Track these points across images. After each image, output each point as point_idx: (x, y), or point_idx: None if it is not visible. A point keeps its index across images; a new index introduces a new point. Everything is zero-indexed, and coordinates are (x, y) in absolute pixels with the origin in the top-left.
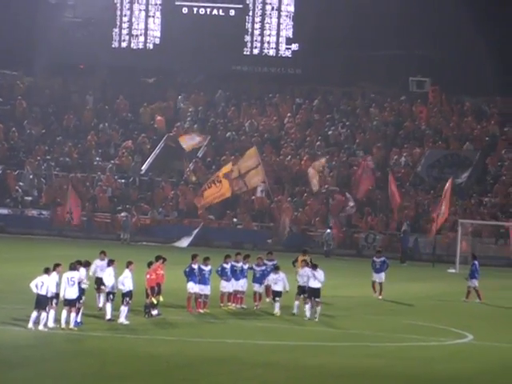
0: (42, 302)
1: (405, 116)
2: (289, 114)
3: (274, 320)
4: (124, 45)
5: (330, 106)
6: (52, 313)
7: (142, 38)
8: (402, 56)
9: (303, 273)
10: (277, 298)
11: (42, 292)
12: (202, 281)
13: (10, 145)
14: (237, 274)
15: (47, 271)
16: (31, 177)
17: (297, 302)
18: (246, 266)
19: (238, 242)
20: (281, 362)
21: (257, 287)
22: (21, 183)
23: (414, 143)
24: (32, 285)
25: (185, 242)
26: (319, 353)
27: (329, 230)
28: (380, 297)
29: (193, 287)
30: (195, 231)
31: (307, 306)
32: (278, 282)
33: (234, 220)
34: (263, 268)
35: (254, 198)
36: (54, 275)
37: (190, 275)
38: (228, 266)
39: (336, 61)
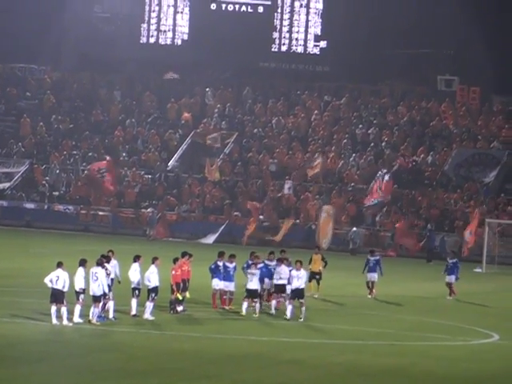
0: (57, 297)
1: (433, 115)
2: (316, 112)
3: (297, 318)
4: (152, 40)
5: (358, 104)
6: (78, 308)
7: (170, 34)
8: (431, 54)
9: (280, 270)
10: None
11: (58, 286)
12: (227, 278)
13: (37, 139)
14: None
15: (60, 265)
16: (58, 171)
17: (273, 302)
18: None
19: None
20: (306, 360)
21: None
22: (47, 178)
23: (442, 142)
24: (46, 280)
25: (210, 239)
26: (344, 351)
27: (355, 228)
28: (371, 295)
29: (218, 284)
30: (221, 228)
31: (290, 307)
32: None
33: (260, 217)
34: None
35: (280, 195)
36: (81, 270)
37: (214, 272)
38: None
39: (364, 58)
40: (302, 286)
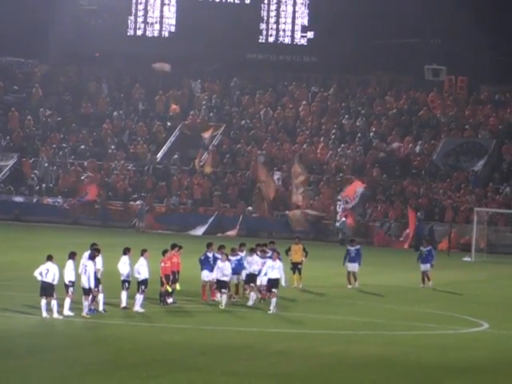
0: (47, 289)
1: (420, 104)
2: (304, 102)
3: (288, 309)
4: (139, 33)
5: (346, 95)
6: (68, 301)
7: (157, 26)
8: (418, 44)
9: (252, 260)
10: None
11: (48, 279)
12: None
13: (25, 133)
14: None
15: (50, 258)
16: (46, 165)
17: (250, 292)
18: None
19: (253, 230)
20: (296, 351)
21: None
22: (36, 171)
23: (430, 131)
24: (36, 273)
25: (200, 231)
26: (334, 341)
27: (343, 219)
28: (356, 285)
29: (207, 275)
30: (210, 219)
31: (252, 294)
32: (274, 269)
33: (249, 208)
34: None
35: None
36: (71, 263)
37: (204, 263)
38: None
39: (351, 49)
40: (277, 277)
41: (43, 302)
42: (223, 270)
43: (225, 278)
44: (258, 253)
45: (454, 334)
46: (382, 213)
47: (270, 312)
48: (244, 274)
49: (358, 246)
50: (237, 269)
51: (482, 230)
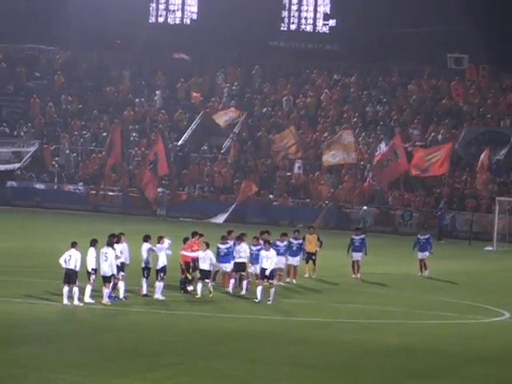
0: (70, 276)
1: (442, 93)
2: (326, 91)
3: (307, 296)
4: (161, 20)
5: (367, 83)
6: (89, 288)
7: (179, 14)
8: (440, 33)
9: (240, 248)
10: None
11: (70, 266)
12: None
13: (46, 120)
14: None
15: (74, 245)
16: (67, 152)
17: (232, 281)
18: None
19: (274, 218)
20: (316, 339)
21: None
22: (57, 158)
23: (452, 120)
24: (61, 260)
25: (221, 218)
26: (354, 330)
27: (365, 207)
28: (358, 275)
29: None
30: (231, 207)
31: (244, 282)
32: (269, 259)
33: (270, 196)
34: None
35: (290, 174)
36: (92, 251)
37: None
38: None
39: (374, 37)
40: (272, 267)
41: (65, 289)
42: (240, 252)
43: (241, 260)
44: (260, 241)
45: (475, 323)
46: (404, 201)
47: (270, 302)
48: (233, 263)
49: (363, 236)
50: (228, 258)
51: (504, 219)
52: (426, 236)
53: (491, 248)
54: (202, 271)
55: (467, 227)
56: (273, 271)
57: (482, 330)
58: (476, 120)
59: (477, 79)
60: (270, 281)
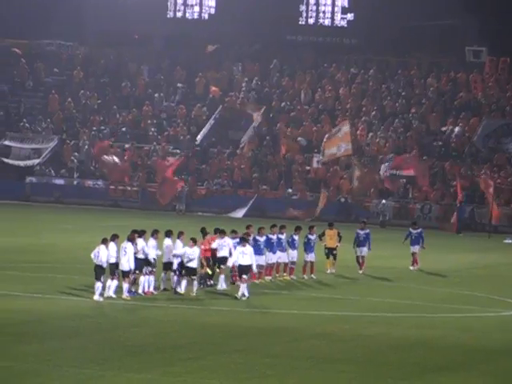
0: (96, 272)
1: (461, 86)
2: (344, 84)
3: (327, 290)
4: (179, 15)
5: (386, 76)
6: (114, 283)
7: (197, 8)
8: (459, 26)
9: (222, 243)
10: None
11: (98, 262)
12: (257, 251)
13: (65, 115)
14: (273, 246)
15: (104, 241)
16: (87, 147)
17: (222, 276)
18: (283, 237)
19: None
20: (336, 333)
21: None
22: (76, 153)
23: (471, 113)
24: (92, 255)
25: (240, 213)
26: (374, 323)
27: (384, 201)
28: (361, 271)
29: (271, 258)
30: (250, 202)
31: (221, 276)
32: (245, 255)
33: (289, 190)
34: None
35: (309, 169)
36: (113, 246)
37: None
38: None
39: (392, 30)
40: (248, 263)
41: (96, 284)
42: (189, 256)
43: (223, 254)
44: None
45: (495, 316)
46: (423, 195)
47: (238, 298)
48: (270, 255)
49: (368, 230)
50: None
51: None
52: (418, 230)
53: (511, 240)
54: (186, 268)
55: (486, 220)
56: (250, 267)
57: (502, 323)
58: (494, 113)
59: (495, 72)
60: (244, 276)
